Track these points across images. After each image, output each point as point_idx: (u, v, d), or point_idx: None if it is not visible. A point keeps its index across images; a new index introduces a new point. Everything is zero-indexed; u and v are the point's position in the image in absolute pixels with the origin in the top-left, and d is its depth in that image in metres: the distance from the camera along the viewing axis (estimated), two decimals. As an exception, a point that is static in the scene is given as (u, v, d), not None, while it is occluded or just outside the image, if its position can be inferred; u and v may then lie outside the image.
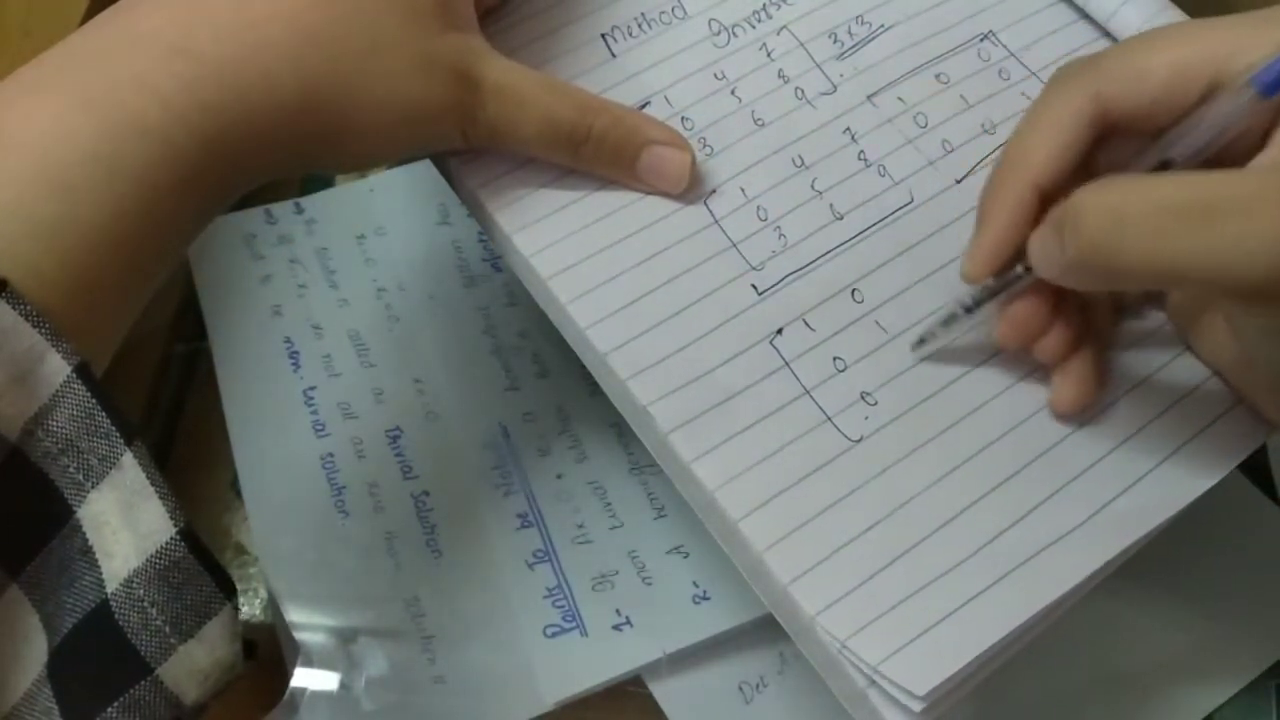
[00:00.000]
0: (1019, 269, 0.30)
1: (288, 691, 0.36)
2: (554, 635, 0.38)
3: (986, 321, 0.31)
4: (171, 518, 0.24)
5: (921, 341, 0.31)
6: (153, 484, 0.24)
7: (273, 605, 0.38)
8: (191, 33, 0.27)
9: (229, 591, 0.25)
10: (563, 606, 0.38)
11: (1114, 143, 0.29)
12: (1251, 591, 0.39)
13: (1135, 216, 0.25)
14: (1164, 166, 0.28)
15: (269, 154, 0.28)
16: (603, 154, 0.32)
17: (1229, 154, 0.28)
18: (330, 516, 0.40)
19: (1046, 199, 0.29)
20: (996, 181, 0.30)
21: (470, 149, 0.33)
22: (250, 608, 0.40)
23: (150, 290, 0.28)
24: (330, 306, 0.45)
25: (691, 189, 0.33)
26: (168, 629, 0.24)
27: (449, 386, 0.43)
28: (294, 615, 0.38)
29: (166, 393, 0.44)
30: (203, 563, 0.25)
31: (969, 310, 0.31)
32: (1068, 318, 0.30)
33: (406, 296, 0.45)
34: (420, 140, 0.32)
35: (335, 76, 0.28)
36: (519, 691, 0.37)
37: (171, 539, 0.24)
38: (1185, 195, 0.24)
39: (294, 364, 0.43)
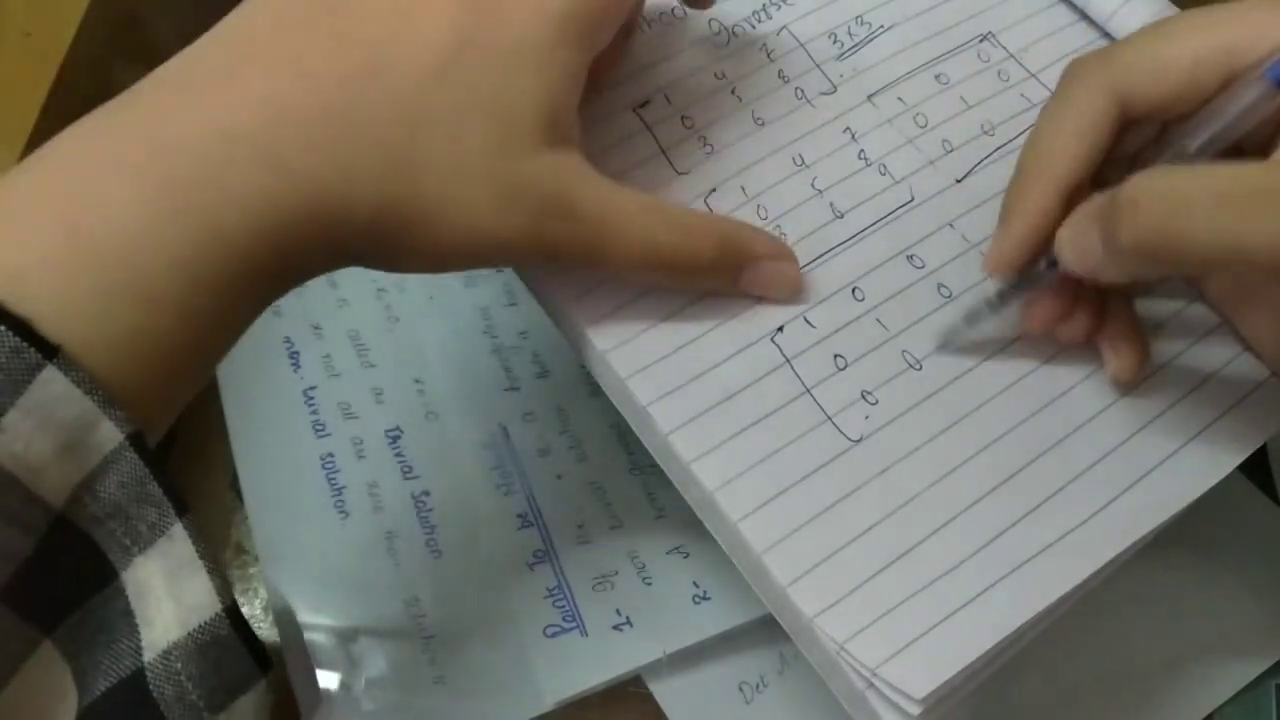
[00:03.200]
0: (1043, 264, 0.30)
1: (320, 696, 0.36)
2: (554, 635, 0.38)
3: (1005, 315, 0.32)
4: (218, 594, 0.24)
5: (945, 343, 0.32)
6: (202, 558, 0.24)
7: (273, 606, 0.38)
8: (277, 138, 0.26)
9: (265, 667, 0.25)
10: (563, 606, 0.38)
11: (1128, 131, 0.30)
12: (1251, 591, 0.39)
13: (1202, 200, 0.25)
14: (1180, 156, 0.29)
15: (333, 263, 0.28)
16: (705, 278, 0.31)
17: (1246, 145, 0.28)
18: (330, 516, 0.40)
19: (1071, 198, 0.29)
20: (1020, 181, 0.30)
21: (551, 268, 0.32)
22: (250, 608, 0.40)
23: (205, 380, 0.28)
24: (330, 306, 0.45)
25: (796, 299, 0.32)
26: (202, 704, 0.24)
27: (449, 386, 0.43)
28: (295, 615, 0.38)
29: (166, 393, 0.44)
30: (244, 640, 0.25)
31: (993, 308, 0.31)
32: (1088, 302, 0.31)
33: (406, 296, 0.45)
34: (490, 263, 0.30)
35: (413, 201, 0.27)
36: (519, 691, 0.37)
37: (216, 615, 0.24)
38: (1252, 180, 0.25)
39: (294, 364, 0.43)
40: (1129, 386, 0.31)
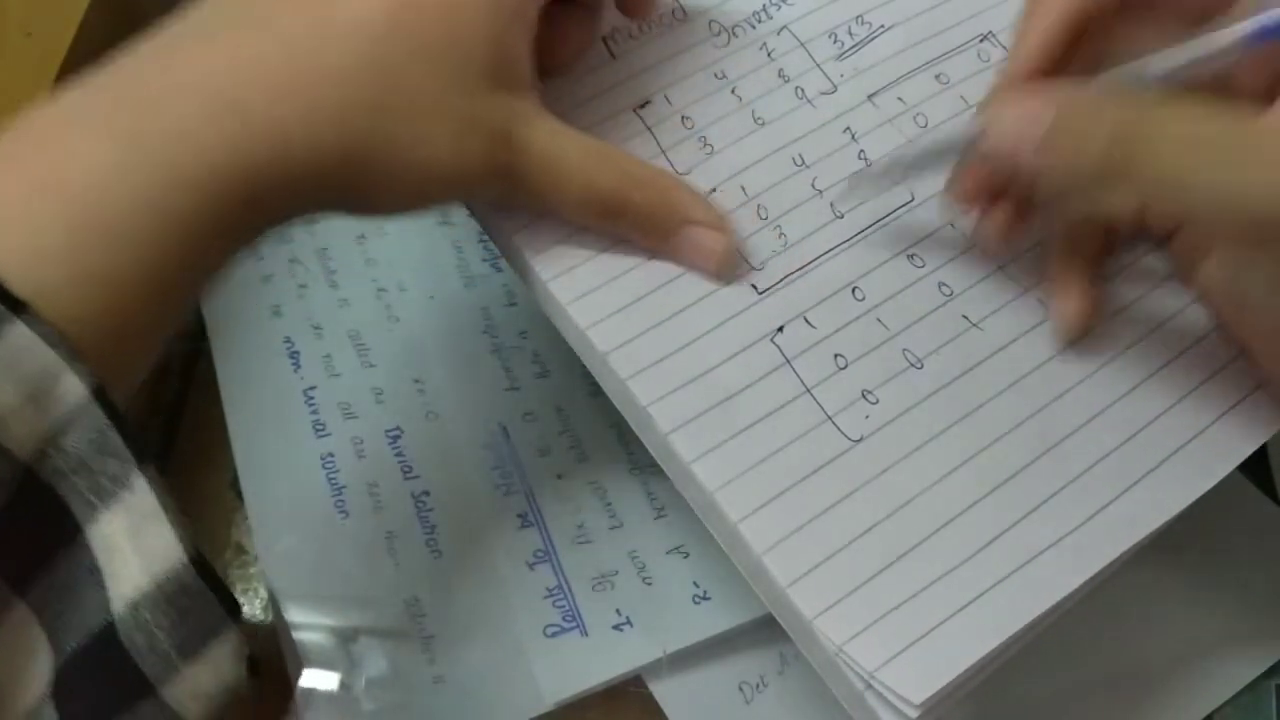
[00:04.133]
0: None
1: (295, 695, 0.36)
2: (554, 635, 0.38)
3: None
4: (181, 542, 0.24)
5: (859, 181, 0.33)
6: (164, 508, 0.24)
7: (273, 605, 0.38)
8: (242, 87, 0.27)
9: (236, 615, 0.25)
10: (563, 606, 0.38)
11: (1137, 29, 0.30)
12: (1251, 591, 0.39)
13: (1172, 137, 0.25)
14: (1141, 75, 0.28)
15: (302, 206, 0.29)
16: (639, 227, 0.32)
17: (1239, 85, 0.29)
18: (330, 516, 0.40)
19: (1079, 36, 0.30)
20: (1037, 5, 0.31)
21: (507, 205, 0.33)
22: (250, 608, 0.40)
23: (176, 326, 0.28)
24: (330, 306, 0.45)
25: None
26: (173, 652, 0.24)
27: (449, 386, 0.43)
28: (294, 615, 0.38)
29: (166, 393, 0.44)
30: (211, 587, 0.25)
31: (935, 158, 0.32)
32: (1023, 205, 0.31)
33: (406, 296, 0.45)
34: (454, 198, 0.32)
35: (376, 140, 0.28)
36: (519, 691, 0.37)
37: (181, 563, 0.24)
38: (1224, 129, 0.25)
39: (294, 364, 0.43)
40: (1072, 339, 0.31)
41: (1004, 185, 0.31)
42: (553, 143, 0.31)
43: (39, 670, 0.25)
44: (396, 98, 0.28)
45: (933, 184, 0.34)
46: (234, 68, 0.27)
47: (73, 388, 0.24)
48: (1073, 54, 0.30)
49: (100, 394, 0.24)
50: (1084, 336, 0.31)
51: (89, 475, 0.24)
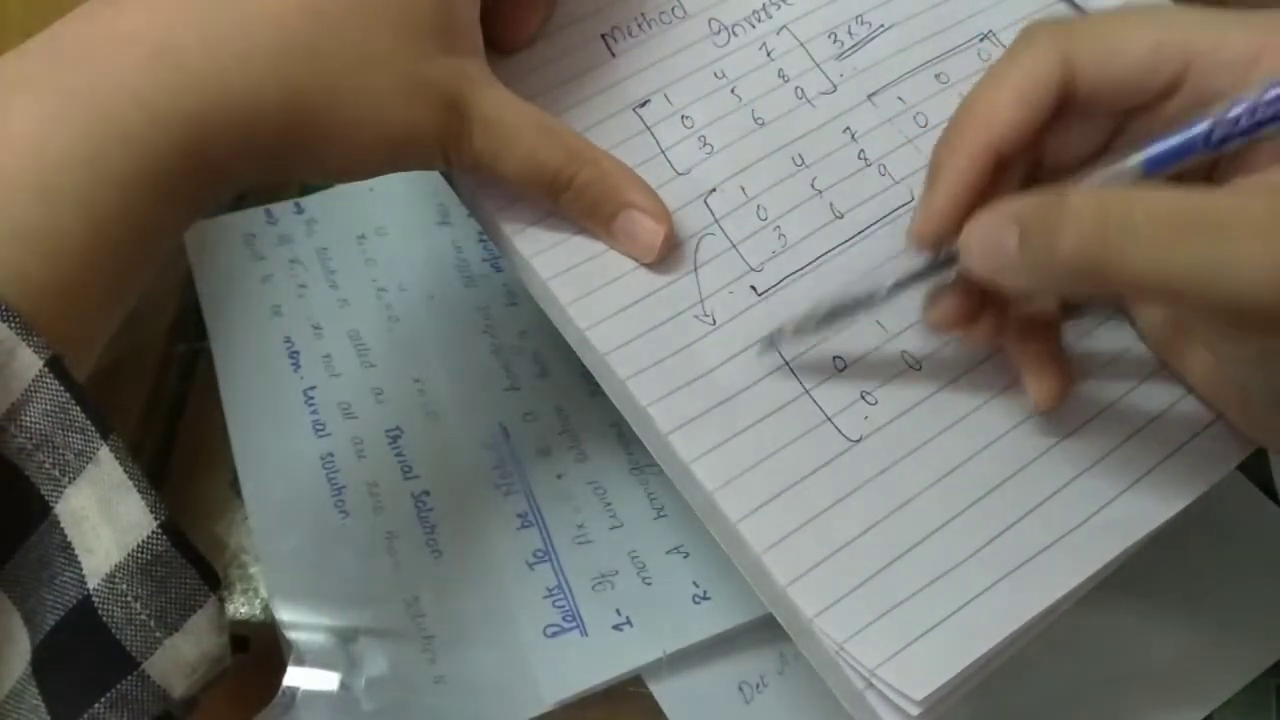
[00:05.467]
0: (943, 255, 0.28)
1: (280, 690, 0.36)
2: (554, 635, 0.38)
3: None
4: (152, 511, 0.24)
5: (821, 322, 0.30)
6: (131, 478, 0.24)
7: (273, 606, 0.38)
8: (177, 35, 0.26)
9: (213, 583, 0.25)
10: (563, 606, 0.38)
11: (1066, 123, 0.29)
12: (1251, 591, 0.39)
13: (1142, 224, 0.24)
14: (1120, 174, 0.27)
15: (248, 162, 0.28)
16: (580, 205, 0.32)
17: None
18: (330, 516, 0.40)
19: (1002, 165, 0.28)
20: (954, 136, 0.29)
21: (451, 171, 0.32)
22: (250, 607, 0.40)
23: (134, 293, 0.27)
24: (330, 306, 0.45)
25: (665, 260, 0.32)
26: (152, 623, 0.24)
27: (449, 386, 0.43)
28: (292, 615, 0.38)
29: (166, 393, 0.44)
30: (186, 555, 0.24)
31: (891, 290, 0.29)
32: (993, 306, 0.30)
33: (406, 296, 0.45)
34: (401, 161, 0.31)
35: (320, 90, 0.28)
36: (519, 691, 0.37)
37: (153, 533, 0.24)
38: (1194, 208, 0.24)
39: (294, 364, 0.43)
40: (1050, 413, 0.30)
41: (978, 304, 0.30)
42: (501, 111, 0.30)
43: (18, 651, 0.24)
44: (341, 49, 0.28)
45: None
46: (168, 17, 0.26)
47: (28, 362, 0.23)
48: (1000, 176, 0.29)
49: (56, 366, 0.24)
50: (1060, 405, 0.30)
51: (53, 452, 0.24)
